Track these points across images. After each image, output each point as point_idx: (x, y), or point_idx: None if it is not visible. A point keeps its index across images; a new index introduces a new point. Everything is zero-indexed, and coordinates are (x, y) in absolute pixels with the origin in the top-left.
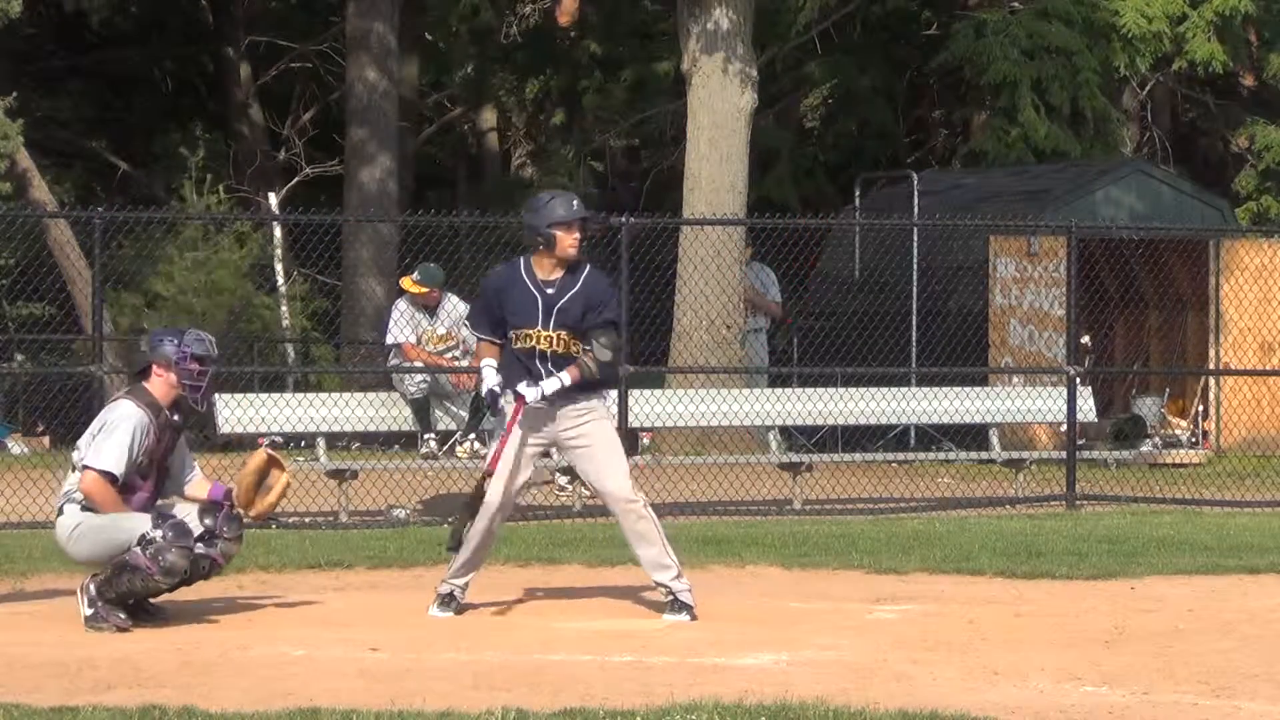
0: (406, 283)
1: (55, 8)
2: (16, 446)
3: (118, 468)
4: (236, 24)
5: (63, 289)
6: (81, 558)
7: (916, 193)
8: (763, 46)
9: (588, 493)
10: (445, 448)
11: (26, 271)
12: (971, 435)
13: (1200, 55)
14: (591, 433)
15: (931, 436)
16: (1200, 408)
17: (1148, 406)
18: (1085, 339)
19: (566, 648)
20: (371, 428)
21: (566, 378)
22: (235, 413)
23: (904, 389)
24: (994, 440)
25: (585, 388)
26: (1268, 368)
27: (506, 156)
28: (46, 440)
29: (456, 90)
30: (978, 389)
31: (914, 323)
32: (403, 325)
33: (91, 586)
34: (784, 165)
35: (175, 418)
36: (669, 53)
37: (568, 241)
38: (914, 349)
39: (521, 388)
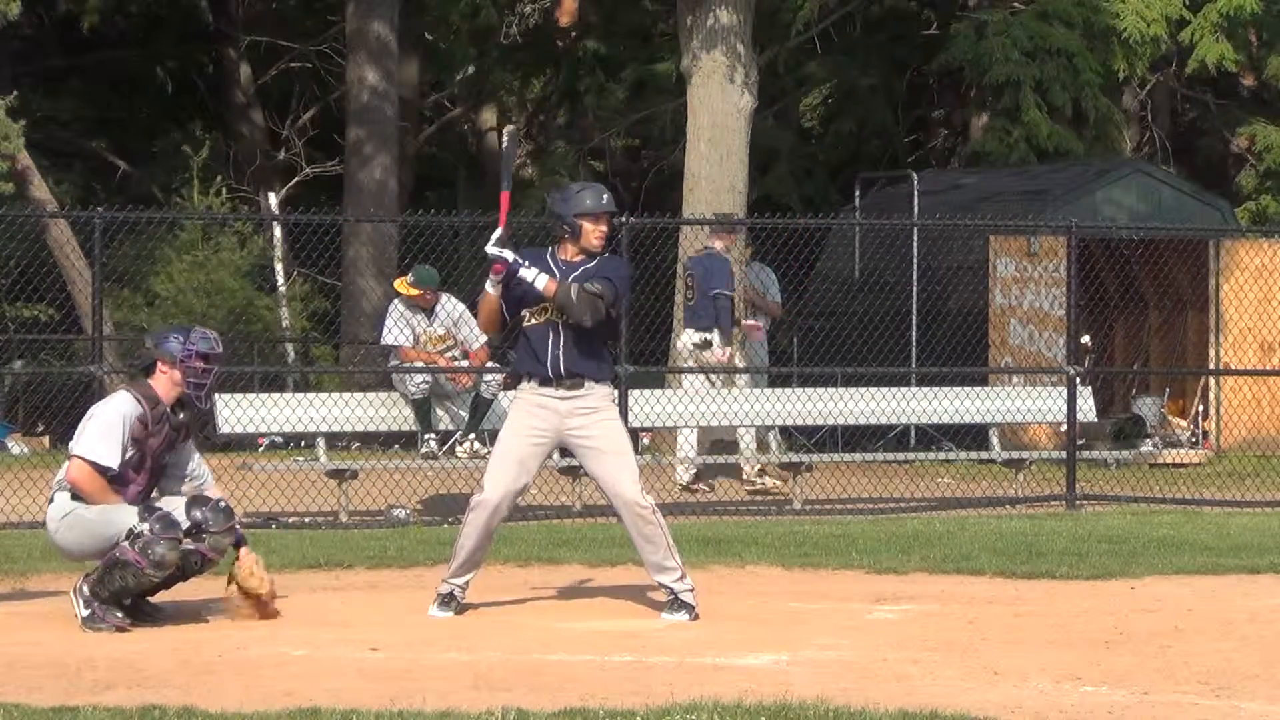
0: (401, 284)
1: (53, 8)
2: (16, 446)
3: (108, 458)
4: (236, 24)
5: (63, 289)
6: (67, 547)
7: (916, 193)
8: (763, 46)
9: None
10: (445, 448)
11: (26, 272)
12: (971, 435)
13: (1210, 56)
14: (601, 434)
15: (931, 436)
16: (1200, 408)
17: (1148, 406)
18: (1085, 339)
19: (566, 648)
20: (371, 428)
21: (543, 279)
22: (235, 413)
23: (904, 389)
24: (994, 440)
25: (590, 381)
26: (1268, 368)
27: None
28: (46, 440)
29: (456, 90)
30: (978, 389)
31: (914, 323)
32: (399, 327)
33: (85, 587)
34: (784, 165)
35: (180, 415)
36: (669, 53)
37: (594, 234)
38: (914, 349)
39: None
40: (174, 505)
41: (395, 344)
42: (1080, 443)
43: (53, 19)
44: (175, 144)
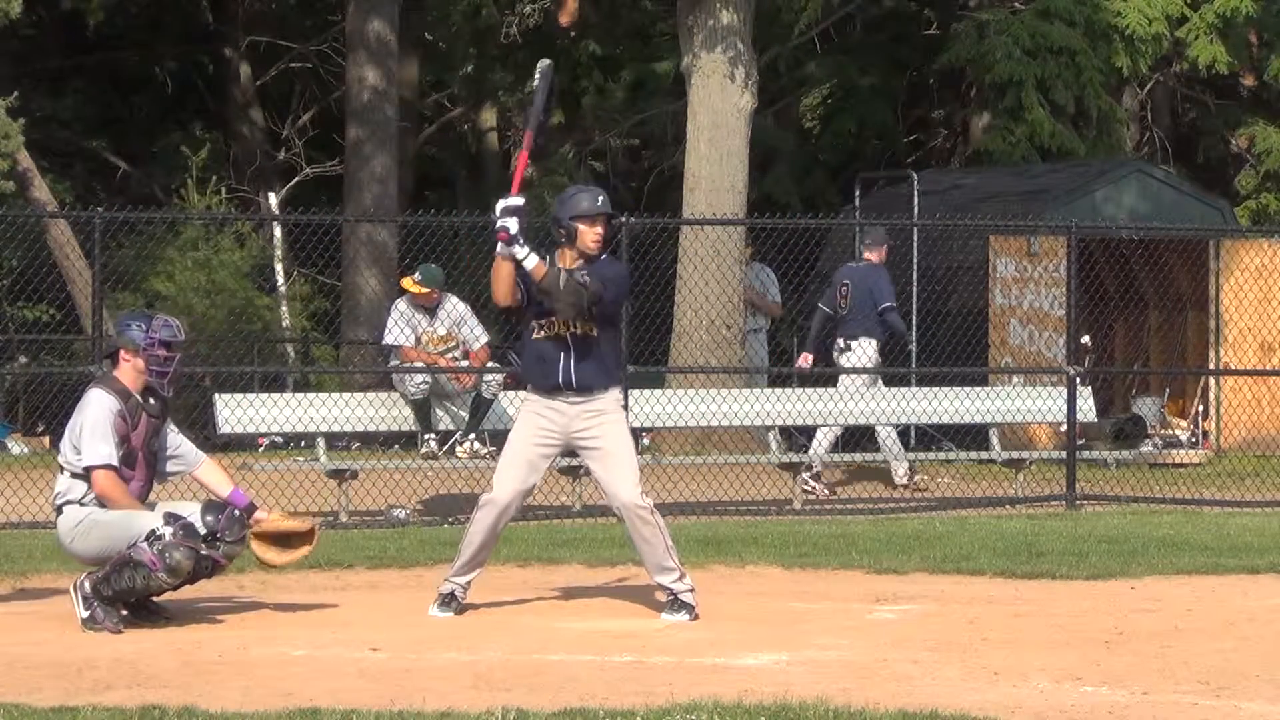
0: (407, 283)
1: (54, 7)
2: (16, 446)
3: (113, 457)
4: (236, 24)
5: (63, 289)
6: (88, 554)
7: (916, 193)
8: (763, 46)
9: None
10: (445, 448)
11: (26, 272)
12: (971, 435)
13: (1203, 58)
14: (605, 435)
15: (931, 436)
16: (1200, 408)
17: (1148, 406)
18: (1085, 339)
19: (566, 648)
20: (371, 428)
21: (533, 259)
22: (235, 413)
23: (904, 389)
24: (994, 440)
25: (598, 385)
26: (1268, 368)
27: (506, 156)
28: (46, 440)
29: (456, 90)
30: (978, 389)
31: (914, 323)
32: (401, 326)
33: (86, 585)
34: (784, 165)
35: (151, 401)
36: (669, 53)
37: (590, 236)
38: (914, 349)
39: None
40: (192, 511)
41: (397, 344)
42: (1080, 443)
43: (53, 19)
44: (175, 144)
